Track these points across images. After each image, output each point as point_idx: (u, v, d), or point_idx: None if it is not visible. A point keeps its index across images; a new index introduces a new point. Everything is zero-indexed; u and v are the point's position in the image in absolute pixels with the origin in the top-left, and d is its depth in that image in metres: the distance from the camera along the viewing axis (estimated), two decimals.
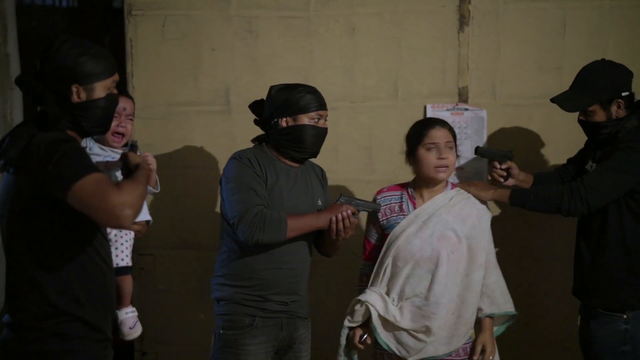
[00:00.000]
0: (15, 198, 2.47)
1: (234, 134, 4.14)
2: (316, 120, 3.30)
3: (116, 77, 2.62)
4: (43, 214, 2.44)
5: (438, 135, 3.28)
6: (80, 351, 2.52)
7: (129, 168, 2.63)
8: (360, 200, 3.34)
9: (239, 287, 3.31)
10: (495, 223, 3.75)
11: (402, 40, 4.11)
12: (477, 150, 3.67)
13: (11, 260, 2.53)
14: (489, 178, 3.67)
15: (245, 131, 4.12)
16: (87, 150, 3.22)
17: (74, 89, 2.51)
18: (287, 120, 3.30)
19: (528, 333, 4.14)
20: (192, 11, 4.13)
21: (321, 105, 3.32)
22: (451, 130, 3.33)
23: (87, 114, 2.54)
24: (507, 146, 3.84)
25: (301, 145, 3.30)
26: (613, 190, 3.31)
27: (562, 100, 3.51)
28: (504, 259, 4.04)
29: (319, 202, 3.40)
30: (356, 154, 4.16)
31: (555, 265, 4.11)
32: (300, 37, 4.12)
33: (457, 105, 4.11)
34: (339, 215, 3.21)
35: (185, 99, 4.15)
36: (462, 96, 4.12)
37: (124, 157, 2.69)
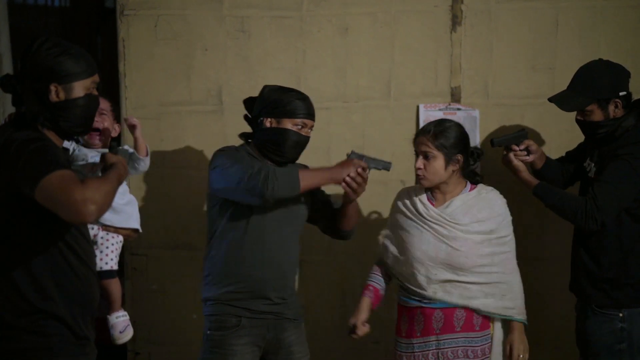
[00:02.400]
0: None
1: (226, 133, 4.13)
2: (299, 127, 3.29)
3: (96, 78, 2.63)
4: (14, 211, 2.46)
5: (417, 142, 3.33)
6: (57, 348, 2.53)
7: (106, 168, 2.64)
8: (371, 157, 3.36)
9: (225, 286, 3.31)
10: None
11: (394, 40, 4.11)
12: (493, 142, 3.65)
13: None
14: (515, 163, 3.64)
15: (237, 131, 4.10)
16: (75, 152, 3.23)
17: (52, 88, 2.52)
18: (272, 121, 3.31)
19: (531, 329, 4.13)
20: (184, 11, 4.12)
21: (309, 114, 3.32)
22: (434, 136, 3.26)
23: (66, 113, 2.55)
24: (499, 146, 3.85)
25: (280, 149, 3.30)
26: (621, 202, 3.38)
27: (560, 100, 3.53)
28: None
29: (302, 199, 3.39)
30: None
31: (549, 265, 4.11)
32: (293, 37, 4.12)
33: (449, 105, 4.11)
34: (352, 173, 3.22)
35: (178, 98, 4.15)
36: (455, 96, 4.12)
37: (102, 158, 2.70)
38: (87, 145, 3.27)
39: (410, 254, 3.35)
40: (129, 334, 3.29)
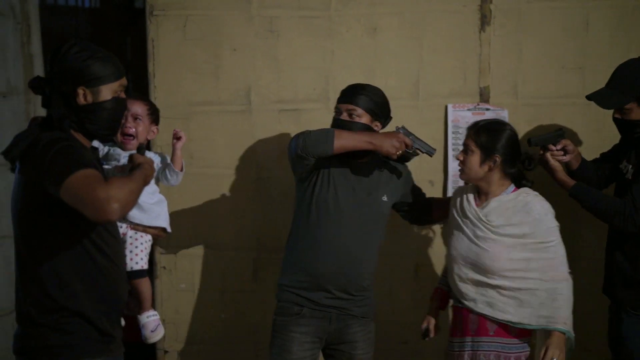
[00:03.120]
0: (19, 195, 2.55)
1: (254, 133, 4.15)
2: (341, 113, 3.39)
3: (124, 81, 2.65)
4: (41, 210, 2.49)
5: (465, 136, 3.33)
6: (81, 345, 2.56)
7: (134, 168, 2.66)
8: (418, 138, 3.42)
9: (290, 275, 3.41)
10: None
11: (423, 40, 4.10)
12: (530, 141, 3.61)
13: (17, 256, 2.60)
14: (551, 163, 3.60)
15: (266, 130, 4.14)
16: (110, 152, 3.26)
17: (80, 91, 2.56)
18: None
19: None
20: (213, 11, 4.14)
21: (344, 100, 3.41)
22: (476, 133, 3.27)
23: (93, 116, 2.59)
24: (522, 146, 3.83)
25: None
26: None
27: (598, 98, 3.49)
28: None
29: (384, 198, 3.46)
30: None
31: (582, 267, 4.07)
32: (321, 37, 4.12)
33: (478, 105, 4.10)
34: (395, 144, 3.27)
35: (206, 98, 4.17)
36: (484, 96, 4.10)
37: (130, 158, 2.73)
38: (124, 149, 3.29)
39: (449, 252, 3.39)
40: (160, 333, 3.31)
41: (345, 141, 3.22)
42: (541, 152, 3.62)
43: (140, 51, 4.26)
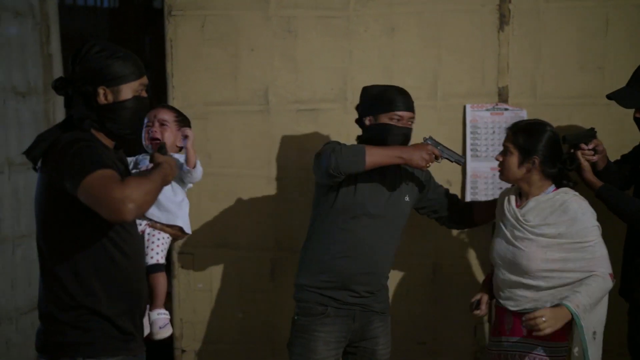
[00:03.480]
0: (40, 194, 2.56)
1: (272, 133, 4.15)
2: (397, 120, 3.38)
3: (144, 80, 2.66)
4: (60, 209, 2.50)
5: (505, 136, 3.33)
6: (100, 343, 2.56)
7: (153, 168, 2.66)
8: (446, 147, 3.43)
9: (313, 275, 3.41)
10: None
11: (441, 40, 4.09)
12: (565, 139, 3.55)
13: (39, 254, 2.62)
14: (582, 162, 3.55)
15: (283, 131, 4.14)
16: (139, 158, 3.28)
17: (100, 90, 2.56)
18: (370, 119, 3.43)
19: None
20: (231, 11, 4.14)
21: (405, 106, 3.41)
22: (515, 134, 3.26)
23: (114, 115, 2.59)
24: None
25: (383, 144, 3.37)
26: None
27: (620, 97, 3.48)
28: None
29: (406, 199, 3.48)
30: None
31: None
32: (339, 37, 4.12)
33: (496, 105, 4.08)
34: (425, 156, 3.29)
35: (224, 98, 4.17)
36: (502, 96, 4.09)
37: (151, 158, 2.73)
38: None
39: (490, 251, 3.39)
40: (168, 331, 3.31)
41: (376, 158, 3.25)
42: (572, 150, 3.57)
43: (158, 51, 4.28)
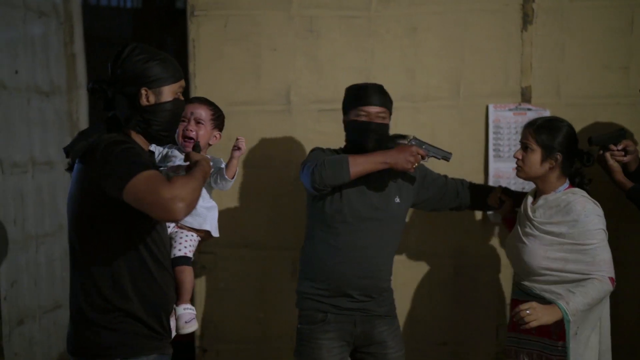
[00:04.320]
0: (77, 194, 2.57)
1: (294, 133, 4.15)
2: (364, 115, 3.34)
3: (182, 83, 2.71)
4: (98, 211, 2.52)
5: (522, 133, 3.30)
6: (135, 344, 2.60)
7: (190, 167, 2.68)
8: (432, 145, 3.38)
9: (311, 282, 3.40)
10: None
11: (464, 40, 4.07)
12: (591, 140, 3.51)
13: (72, 256, 2.63)
14: (610, 163, 3.49)
15: (305, 131, 4.14)
16: (168, 153, 3.25)
17: (143, 92, 2.61)
18: (344, 118, 3.44)
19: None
20: (253, 11, 4.15)
21: (366, 102, 3.35)
22: (537, 131, 3.22)
23: (155, 116, 2.64)
24: None
25: (356, 142, 3.37)
26: None
27: None
28: None
29: (396, 200, 3.43)
30: None
31: (625, 269, 4.01)
32: (362, 37, 4.11)
33: (519, 105, 4.05)
34: (410, 159, 3.24)
35: (246, 98, 4.18)
36: (525, 96, 4.06)
37: (186, 157, 2.77)
38: (183, 152, 3.24)
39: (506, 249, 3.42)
40: (193, 326, 3.29)
41: (361, 167, 3.21)
42: (600, 151, 3.52)
43: (181, 51, 4.28)
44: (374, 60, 4.11)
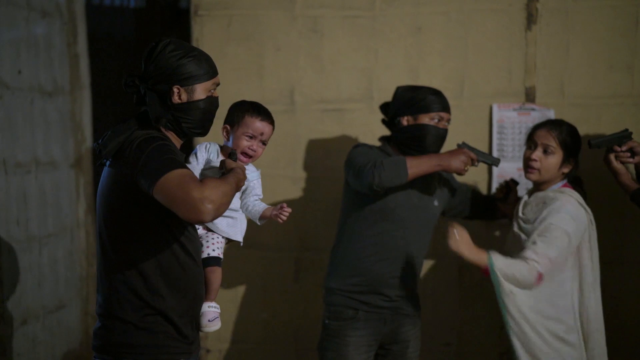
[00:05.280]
0: (109, 191, 2.55)
1: (298, 133, 4.14)
2: (436, 121, 3.36)
3: (217, 80, 2.66)
4: (132, 209, 2.50)
5: (540, 134, 3.24)
6: (165, 345, 2.57)
7: (224, 173, 2.63)
8: (480, 150, 3.41)
9: (344, 278, 3.41)
10: None
11: (468, 40, 4.07)
12: (590, 143, 3.41)
13: (103, 252, 2.60)
14: (614, 165, 3.39)
15: (309, 130, 4.14)
16: (209, 157, 3.12)
17: (175, 89, 2.56)
18: (409, 119, 3.40)
19: (614, 336, 4.04)
20: (257, 11, 4.15)
21: (443, 107, 3.39)
22: (561, 134, 3.21)
23: (187, 115, 2.59)
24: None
25: (421, 144, 3.37)
26: None
27: None
28: None
29: (435, 203, 3.48)
30: None
31: (628, 269, 4.02)
32: (365, 37, 4.11)
33: (523, 105, 4.05)
34: (463, 160, 3.28)
35: (250, 98, 4.11)
36: (529, 96, 4.05)
37: (222, 164, 2.69)
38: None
39: None
40: (217, 324, 3.26)
41: (417, 169, 3.24)
42: (606, 152, 3.50)
43: None
44: (377, 60, 4.11)
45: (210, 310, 3.16)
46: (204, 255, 2.99)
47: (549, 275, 3.12)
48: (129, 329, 2.54)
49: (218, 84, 2.68)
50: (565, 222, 3.13)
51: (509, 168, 4.03)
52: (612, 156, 3.42)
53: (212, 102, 2.66)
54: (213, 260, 3.12)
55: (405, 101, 3.41)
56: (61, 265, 4.48)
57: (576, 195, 3.22)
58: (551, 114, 3.99)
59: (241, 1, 4.15)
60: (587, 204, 3.33)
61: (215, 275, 3.11)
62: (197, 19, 4.16)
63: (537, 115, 3.99)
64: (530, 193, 3.35)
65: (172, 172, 2.34)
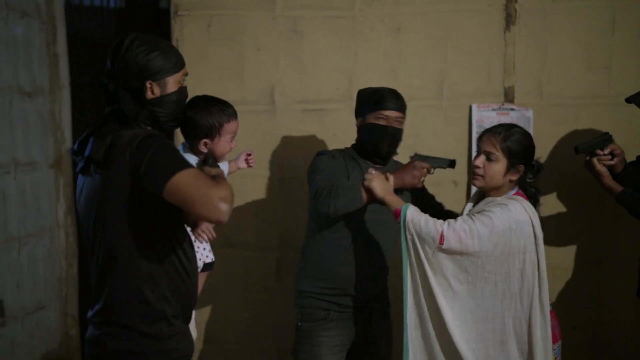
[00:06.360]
0: (104, 197, 2.46)
1: (278, 133, 4.15)
2: (383, 119, 3.33)
3: (185, 70, 2.64)
4: (137, 214, 2.44)
5: (483, 140, 3.06)
6: (172, 351, 2.52)
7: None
8: (434, 157, 3.36)
9: (315, 281, 3.40)
10: (559, 225, 3.71)
11: (447, 40, 4.09)
12: (578, 149, 3.51)
13: (105, 259, 2.51)
14: (598, 168, 3.48)
15: (289, 130, 4.14)
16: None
17: (148, 85, 2.53)
18: (361, 120, 3.41)
19: (576, 336, 4.08)
20: (237, 11, 4.15)
21: (388, 106, 3.34)
22: (505, 141, 2.98)
23: (162, 108, 2.57)
24: (547, 146, 3.82)
25: (371, 144, 3.37)
26: None
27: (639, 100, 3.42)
28: (557, 261, 4.01)
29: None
30: (400, 154, 4.14)
31: (612, 269, 4.06)
32: (345, 37, 4.12)
33: (503, 105, 4.07)
34: (417, 173, 3.23)
35: (230, 98, 4.11)
36: (508, 96, 4.08)
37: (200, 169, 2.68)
38: (196, 153, 3.10)
39: None
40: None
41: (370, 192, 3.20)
42: (587, 157, 3.52)
43: None
44: (357, 60, 4.12)
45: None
46: (206, 259, 3.00)
47: (455, 254, 2.94)
48: (134, 336, 2.47)
49: (187, 74, 2.66)
50: (500, 219, 2.93)
51: None
52: (595, 160, 3.46)
53: (183, 93, 2.65)
54: (212, 265, 3.14)
55: (358, 103, 3.44)
56: (40, 266, 4.45)
57: (526, 204, 3.01)
58: (530, 114, 4.02)
59: (221, 1, 4.15)
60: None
61: (203, 278, 3.13)
62: (177, 19, 4.15)
63: (515, 115, 4.02)
64: (476, 201, 3.17)
65: (184, 171, 2.31)
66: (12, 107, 4.18)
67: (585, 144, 3.52)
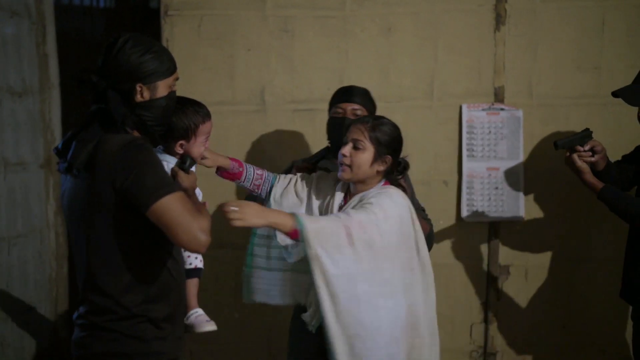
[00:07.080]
0: (88, 200, 2.44)
1: (268, 133, 4.15)
2: (339, 112, 3.34)
3: (177, 74, 2.60)
4: (121, 217, 2.42)
5: (351, 129, 2.94)
6: (157, 352, 2.51)
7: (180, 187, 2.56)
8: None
9: None
10: (535, 224, 3.71)
11: (438, 40, 4.09)
12: (557, 144, 3.50)
13: (89, 264, 2.49)
14: (578, 164, 3.46)
15: (280, 131, 4.14)
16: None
17: (138, 87, 2.49)
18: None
19: (565, 335, 4.10)
20: (228, 11, 4.14)
21: (340, 99, 3.37)
22: (373, 130, 2.89)
23: (150, 112, 2.52)
24: (537, 146, 3.82)
25: (332, 139, 3.39)
26: None
27: (627, 94, 3.39)
28: (544, 260, 4.01)
29: None
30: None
31: (597, 267, 4.07)
32: (336, 37, 4.12)
33: (493, 105, 4.08)
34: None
35: (221, 98, 4.17)
36: (498, 96, 4.09)
37: (173, 172, 2.68)
38: (171, 153, 3.00)
39: None
40: (213, 324, 3.24)
41: None
42: (567, 153, 3.51)
43: None
44: (348, 60, 4.12)
45: (201, 314, 3.17)
46: (194, 265, 3.00)
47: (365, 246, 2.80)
48: (118, 337, 2.47)
49: (177, 79, 2.62)
50: (387, 204, 2.85)
51: (478, 168, 4.06)
52: (575, 156, 3.45)
53: (172, 98, 2.60)
54: (201, 272, 3.14)
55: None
56: (30, 266, 4.44)
57: (399, 191, 2.93)
58: (520, 114, 4.03)
59: (212, 1, 4.14)
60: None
61: (195, 282, 3.13)
62: (168, 19, 4.15)
63: (506, 115, 4.03)
64: (346, 192, 3.04)
65: (171, 195, 2.32)
66: (2, 107, 4.17)
67: (564, 140, 3.50)
